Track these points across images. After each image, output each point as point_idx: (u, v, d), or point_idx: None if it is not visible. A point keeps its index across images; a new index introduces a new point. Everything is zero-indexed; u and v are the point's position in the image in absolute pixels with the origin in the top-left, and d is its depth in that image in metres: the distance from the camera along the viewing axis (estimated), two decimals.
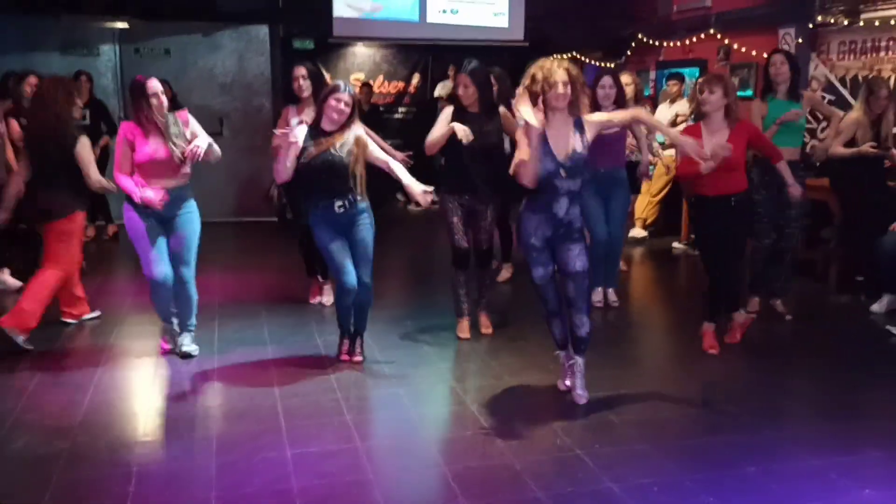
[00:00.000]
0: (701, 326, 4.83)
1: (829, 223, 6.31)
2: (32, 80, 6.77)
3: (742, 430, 3.70)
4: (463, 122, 4.57)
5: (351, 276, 4.29)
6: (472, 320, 5.06)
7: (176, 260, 4.49)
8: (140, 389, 4.19)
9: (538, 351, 4.75)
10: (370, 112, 10.11)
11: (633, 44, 10.28)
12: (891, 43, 6.60)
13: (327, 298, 5.68)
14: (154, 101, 4.27)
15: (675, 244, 8.00)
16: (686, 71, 9.10)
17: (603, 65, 11.05)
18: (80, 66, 8.75)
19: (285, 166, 4.20)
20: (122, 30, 9.10)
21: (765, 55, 7.68)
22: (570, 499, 3.05)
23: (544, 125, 3.65)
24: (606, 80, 5.45)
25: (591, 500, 3.05)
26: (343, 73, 11.63)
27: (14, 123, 6.37)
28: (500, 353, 4.77)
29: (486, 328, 5.09)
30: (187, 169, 4.46)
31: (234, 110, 9.50)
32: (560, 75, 3.58)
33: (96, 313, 5.40)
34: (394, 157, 4.56)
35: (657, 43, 9.86)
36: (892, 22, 6.48)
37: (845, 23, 6.91)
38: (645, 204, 8.51)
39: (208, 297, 5.41)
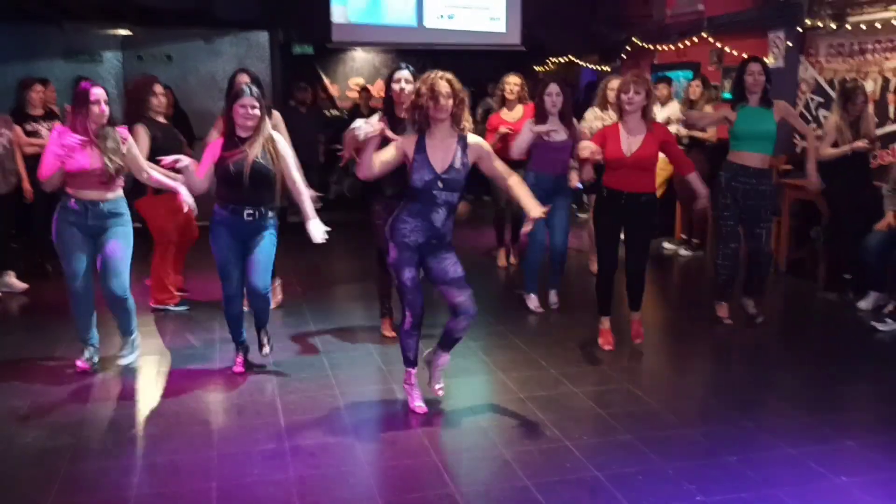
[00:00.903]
0: (602, 322, 5.00)
1: (817, 223, 6.44)
2: (38, 87, 6.95)
3: (723, 422, 3.84)
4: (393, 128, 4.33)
5: (233, 287, 4.29)
6: None
7: (108, 273, 4.35)
8: (142, 386, 4.31)
9: (529, 347, 4.90)
10: (369, 115, 10.23)
11: (628, 47, 10.43)
12: (877, 45, 6.73)
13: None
14: (95, 108, 4.19)
15: (666, 244, 8.13)
16: (680, 74, 9.25)
17: (599, 68, 11.21)
18: (83, 73, 8.89)
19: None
20: (124, 37, 9.25)
21: (767, 59, 7.85)
22: (557, 486, 3.18)
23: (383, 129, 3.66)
24: (553, 87, 5.46)
25: (577, 487, 3.18)
26: (342, 78, 11.82)
27: (18, 129, 6.53)
28: (493, 350, 4.91)
29: None
30: (120, 182, 4.38)
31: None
32: (442, 87, 3.60)
33: (183, 307, 5.66)
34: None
35: (651, 46, 10.00)
36: (878, 25, 6.61)
37: (833, 26, 7.04)
38: None
39: (209, 299, 5.56)
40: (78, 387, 4.27)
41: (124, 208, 4.45)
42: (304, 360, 4.72)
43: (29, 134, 6.71)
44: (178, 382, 4.36)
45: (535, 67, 12.95)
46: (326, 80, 12.12)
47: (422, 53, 11.63)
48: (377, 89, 11.69)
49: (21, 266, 6.40)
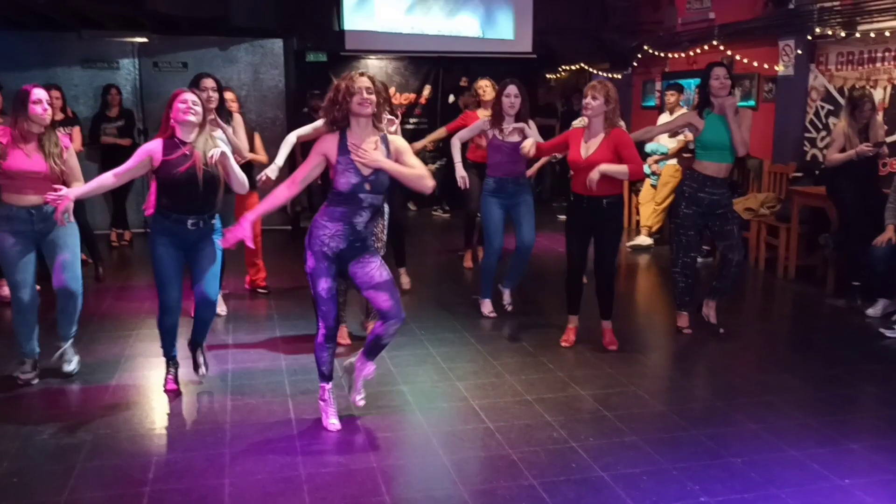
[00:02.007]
0: (570, 320, 5.14)
1: (826, 229, 6.46)
2: (55, 93, 7.08)
3: (728, 424, 3.88)
4: None
5: (172, 298, 4.11)
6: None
7: (57, 267, 4.29)
8: (157, 386, 4.39)
9: (537, 350, 4.96)
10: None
11: (640, 55, 10.48)
12: (886, 54, 6.76)
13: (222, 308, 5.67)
14: (38, 108, 4.10)
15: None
16: (691, 81, 9.28)
17: (610, 76, 11.27)
18: (100, 80, 9.08)
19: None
20: (141, 44, 9.40)
21: (777, 67, 7.89)
22: (563, 486, 3.24)
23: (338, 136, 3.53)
24: (511, 88, 5.44)
25: (582, 487, 3.23)
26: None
27: None
28: (501, 353, 4.96)
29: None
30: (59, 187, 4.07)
31: (249, 121, 9.71)
32: (363, 82, 3.50)
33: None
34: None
35: (662, 54, 10.05)
36: (887, 34, 6.63)
37: (842, 34, 7.07)
38: (650, 212, 8.68)
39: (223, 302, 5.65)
40: (93, 385, 4.37)
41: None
42: (312, 360, 4.77)
43: None
44: (191, 383, 4.43)
45: (546, 75, 13.03)
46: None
47: (433, 61, 11.74)
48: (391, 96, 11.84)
49: None
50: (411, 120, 12.06)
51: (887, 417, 4.02)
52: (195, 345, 4.39)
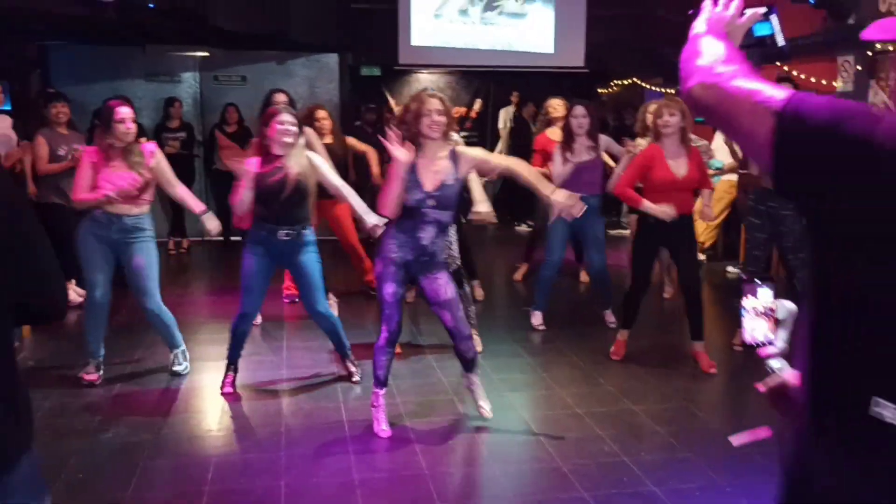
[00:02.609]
0: (621, 333, 5.12)
1: None
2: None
3: (780, 441, 3.82)
4: None
5: (252, 305, 4.28)
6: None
7: (137, 293, 4.49)
8: (214, 389, 4.50)
9: (588, 364, 4.95)
10: None
11: None
12: None
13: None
14: (121, 126, 4.28)
15: (730, 268, 8.06)
16: None
17: (664, 91, 11.20)
18: (163, 93, 9.36)
19: (242, 200, 4.14)
20: (202, 58, 9.68)
21: (836, 82, 7.78)
22: (615, 499, 3.24)
23: (412, 157, 3.60)
24: (578, 109, 5.50)
25: (635, 501, 3.23)
26: (407, 99, 12.05)
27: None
28: (551, 366, 4.97)
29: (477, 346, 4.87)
30: (147, 197, 4.46)
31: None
32: (433, 105, 3.59)
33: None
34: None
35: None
36: None
37: None
38: (703, 227, 8.59)
39: (275, 310, 5.77)
40: (155, 388, 4.51)
41: (148, 224, 4.52)
42: (365, 369, 4.85)
43: None
44: (248, 387, 4.55)
45: (598, 90, 13.01)
46: (392, 101, 12.41)
47: (485, 75, 11.83)
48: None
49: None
50: (461, 133, 12.14)
51: None
52: (342, 356, 4.66)
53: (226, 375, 4.47)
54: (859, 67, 7.46)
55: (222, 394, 4.41)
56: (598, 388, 4.57)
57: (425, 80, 12.21)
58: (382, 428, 3.88)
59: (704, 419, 4.15)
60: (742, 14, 1.46)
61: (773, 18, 1.55)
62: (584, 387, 4.58)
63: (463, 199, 4.20)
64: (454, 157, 3.69)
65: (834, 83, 7.87)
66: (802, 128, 1.18)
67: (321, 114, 5.98)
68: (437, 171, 3.64)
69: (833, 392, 1.20)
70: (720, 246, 8.48)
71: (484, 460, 3.63)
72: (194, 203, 4.75)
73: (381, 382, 3.90)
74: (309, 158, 4.26)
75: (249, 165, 4.17)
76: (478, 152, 3.84)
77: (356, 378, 4.60)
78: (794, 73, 8.50)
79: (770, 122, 1.20)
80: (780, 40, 1.57)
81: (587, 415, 4.14)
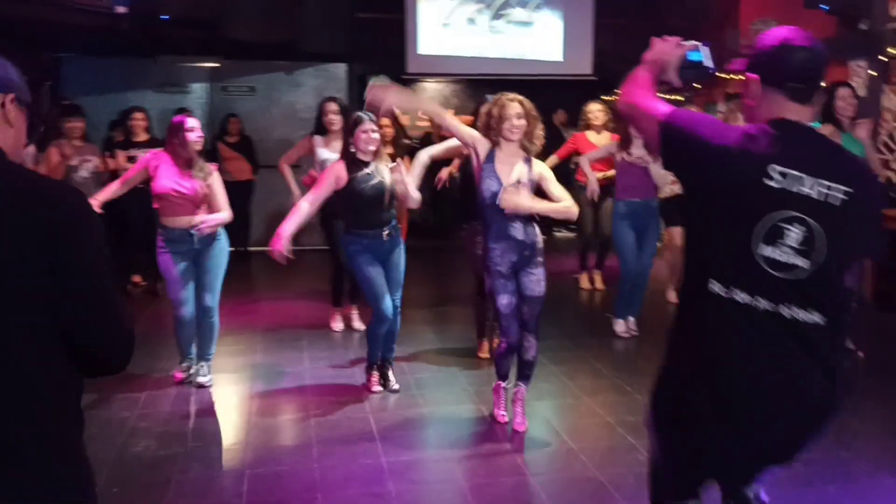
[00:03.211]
0: None
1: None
2: (140, 115, 7.31)
3: (817, 451, 3.77)
4: None
5: (388, 306, 4.40)
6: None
7: (200, 287, 4.58)
8: (239, 401, 4.49)
9: (612, 372, 4.93)
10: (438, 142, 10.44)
11: None
12: None
13: (358, 323, 5.88)
14: (192, 136, 4.44)
15: None
16: None
17: (671, 98, 11.21)
18: (173, 104, 9.33)
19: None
20: (212, 69, 9.68)
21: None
22: None
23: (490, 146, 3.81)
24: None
25: None
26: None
27: (122, 155, 6.91)
28: (576, 374, 4.95)
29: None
30: (204, 209, 4.50)
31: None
32: (514, 109, 3.75)
33: None
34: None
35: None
36: None
37: None
38: None
39: (293, 321, 5.74)
40: (181, 399, 4.48)
41: (220, 229, 4.62)
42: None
43: (129, 160, 7.08)
44: (273, 398, 4.52)
45: (604, 97, 13.01)
46: (398, 111, 12.42)
47: (493, 84, 11.83)
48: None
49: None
50: None
51: None
52: (386, 362, 4.66)
53: (370, 374, 4.62)
54: (872, 72, 7.46)
55: (369, 390, 4.54)
56: (625, 396, 4.54)
57: (432, 88, 12.22)
58: (501, 413, 4.12)
59: None
60: (679, 47, 2.11)
61: (704, 49, 2.14)
62: (611, 395, 4.56)
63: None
64: (529, 162, 3.88)
65: None
66: (674, 132, 1.97)
67: (382, 121, 6.00)
68: (512, 167, 3.82)
69: (691, 280, 2.02)
70: None
71: (518, 470, 3.60)
72: (214, 219, 4.55)
73: (503, 377, 4.13)
74: (388, 167, 4.45)
75: (330, 176, 4.32)
76: (549, 174, 3.97)
77: (394, 386, 4.61)
78: None
79: (657, 128, 1.99)
80: (710, 65, 2.15)
81: (618, 423, 4.11)
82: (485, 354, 5.21)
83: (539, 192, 3.93)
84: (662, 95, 2.18)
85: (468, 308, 5.84)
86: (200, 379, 4.67)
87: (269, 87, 9.96)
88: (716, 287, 1.89)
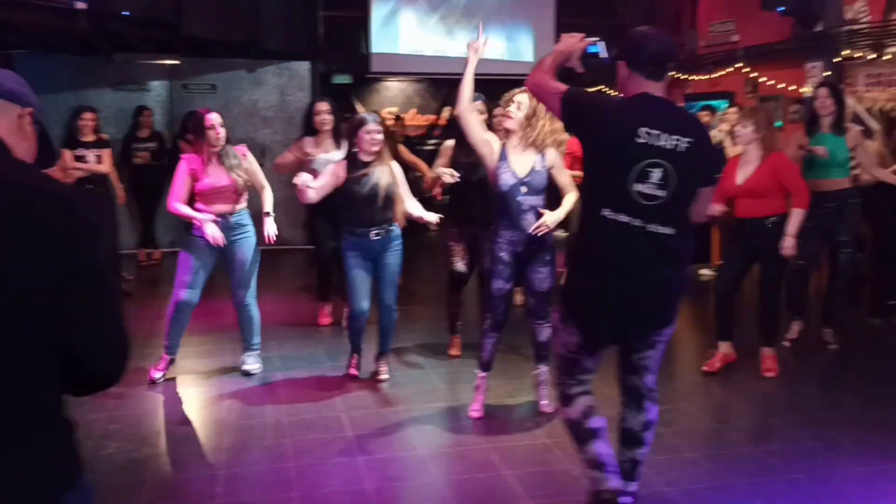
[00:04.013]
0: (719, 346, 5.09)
1: (862, 249, 6.49)
2: (90, 115, 7.17)
3: (787, 441, 3.90)
4: (465, 154, 4.70)
5: (362, 306, 4.54)
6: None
7: (234, 284, 4.74)
8: (213, 401, 4.43)
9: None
10: (403, 144, 10.44)
11: None
12: None
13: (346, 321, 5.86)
14: (212, 133, 4.55)
15: (704, 270, 8.19)
16: (714, 103, 9.37)
17: None
18: (131, 103, 9.17)
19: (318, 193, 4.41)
20: (171, 66, 9.53)
21: (803, 89, 7.98)
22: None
23: (503, 142, 3.98)
24: None
25: (650, 501, 3.25)
26: (377, 107, 12.04)
27: (68, 154, 6.80)
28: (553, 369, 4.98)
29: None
30: (245, 195, 4.73)
31: (276, 142, 9.84)
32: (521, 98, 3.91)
33: None
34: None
35: (685, 76, 10.15)
36: None
37: (872, 56, 7.16)
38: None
39: (267, 319, 5.67)
40: (152, 400, 4.42)
41: (248, 219, 4.75)
42: (363, 377, 4.82)
43: (77, 159, 6.95)
44: (247, 398, 4.48)
45: None
46: (361, 110, 12.39)
47: (453, 83, 11.85)
48: (410, 117, 11.97)
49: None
50: (431, 141, 12.17)
51: None
52: (381, 353, 4.78)
53: (349, 360, 4.79)
54: (828, 73, 7.66)
55: (347, 374, 4.74)
56: (597, 391, 4.57)
57: (394, 87, 12.22)
58: (475, 408, 4.17)
59: (705, 420, 4.21)
60: (582, 41, 2.77)
61: (601, 44, 2.74)
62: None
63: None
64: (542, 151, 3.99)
65: (802, 89, 8.08)
66: (571, 102, 2.69)
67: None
68: (525, 159, 3.92)
69: (589, 209, 2.75)
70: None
71: (495, 466, 3.61)
72: (268, 205, 4.84)
73: (484, 366, 4.16)
74: (391, 168, 4.52)
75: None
76: (559, 158, 4.05)
77: (383, 377, 4.72)
78: (763, 78, 8.72)
79: (559, 101, 2.71)
80: (605, 56, 2.75)
81: None
82: (456, 352, 5.23)
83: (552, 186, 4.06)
84: (613, 90, 2.88)
85: (435, 306, 5.86)
86: (247, 367, 4.82)
87: (230, 85, 9.84)
88: (607, 212, 2.63)
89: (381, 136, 4.45)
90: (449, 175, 4.58)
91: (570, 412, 2.94)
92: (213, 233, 4.52)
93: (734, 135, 4.88)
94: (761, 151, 4.75)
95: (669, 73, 2.65)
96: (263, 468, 3.55)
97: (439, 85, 12.09)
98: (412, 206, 4.55)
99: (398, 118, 11.15)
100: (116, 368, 1.46)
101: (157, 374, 4.70)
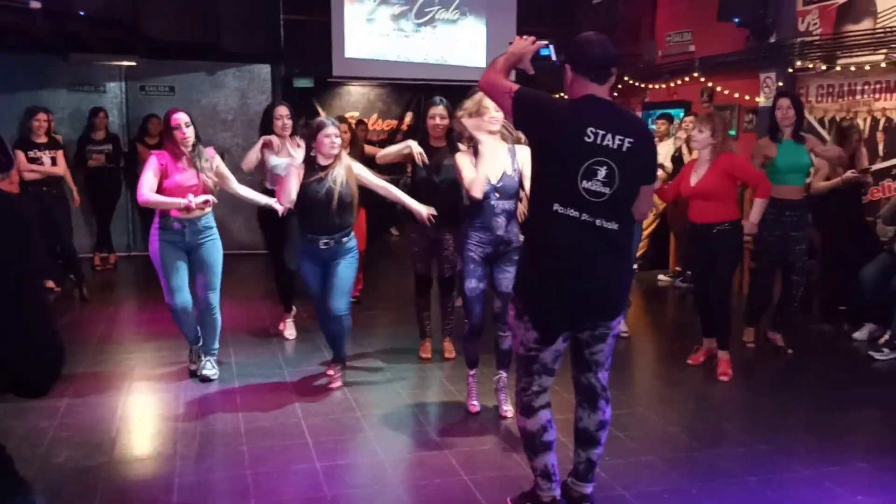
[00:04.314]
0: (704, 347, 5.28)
1: (812, 256, 6.65)
2: (44, 116, 7.04)
3: (739, 445, 3.98)
4: (428, 157, 4.84)
5: (322, 305, 4.53)
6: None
7: (201, 286, 4.70)
8: (165, 409, 4.37)
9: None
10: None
11: (620, 85, 10.71)
12: (865, 87, 7.03)
13: (289, 332, 5.86)
14: (178, 133, 4.52)
15: (661, 276, 8.31)
16: (671, 112, 9.52)
17: None
18: (87, 103, 9.01)
19: (289, 190, 4.42)
20: (128, 68, 9.37)
21: (758, 98, 8.14)
22: None
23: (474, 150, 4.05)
24: None
25: None
26: (339, 111, 11.98)
27: (21, 155, 6.69)
28: (512, 374, 5.00)
29: (450, 353, 5.32)
30: (212, 198, 4.63)
31: (236, 146, 9.76)
32: (489, 102, 3.85)
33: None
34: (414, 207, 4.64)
35: (643, 85, 10.30)
36: (867, 67, 6.91)
37: (823, 68, 7.33)
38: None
39: (225, 324, 5.62)
40: (103, 407, 4.33)
41: (213, 222, 4.71)
42: (321, 383, 4.79)
43: (31, 161, 6.82)
44: (202, 405, 4.42)
45: None
46: (323, 114, 12.33)
47: (415, 88, 11.87)
48: (372, 122, 11.94)
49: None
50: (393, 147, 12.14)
51: (891, 438, 4.16)
52: (335, 360, 4.77)
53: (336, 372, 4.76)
54: (780, 84, 7.83)
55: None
56: (555, 395, 4.61)
57: (357, 92, 12.16)
58: (472, 403, 4.32)
59: (661, 424, 4.26)
60: (533, 44, 2.84)
61: (551, 47, 2.84)
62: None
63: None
64: (512, 151, 4.06)
65: (756, 98, 8.25)
66: (522, 101, 2.79)
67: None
68: (497, 163, 3.99)
69: (540, 204, 2.84)
70: (650, 254, 8.71)
71: (452, 470, 3.61)
72: (259, 196, 4.98)
73: (472, 364, 4.32)
74: (350, 167, 4.49)
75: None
76: (528, 160, 4.05)
77: (335, 384, 4.68)
78: (719, 88, 8.88)
79: (510, 99, 2.80)
80: (555, 59, 2.85)
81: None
82: (427, 354, 5.25)
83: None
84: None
85: (398, 311, 5.85)
86: (205, 372, 4.78)
87: (189, 87, 9.73)
88: (557, 207, 2.74)
89: (339, 140, 4.44)
90: (419, 153, 4.80)
91: (529, 424, 2.99)
92: (195, 200, 4.44)
93: (690, 140, 4.98)
94: (713, 154, 4.88)
95: (612, 77, 2.77)
96: (220, 476, 3.52)
97: (401, 90, 12.07)
98: (404, 198, 4.59)
99: (360, 122, 11.12)
100: (46, 377, 1.38)
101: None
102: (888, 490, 3.48)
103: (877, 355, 5.47)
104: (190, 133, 4.56)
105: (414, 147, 4.84)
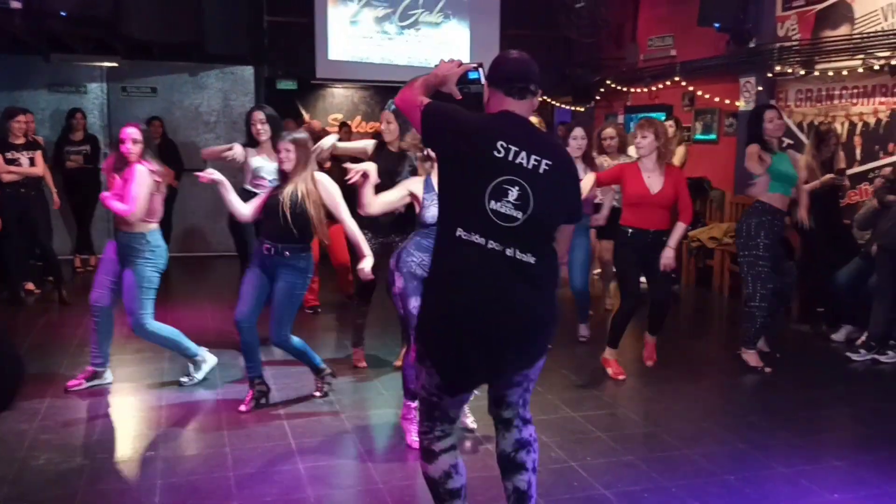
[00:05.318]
0: (604, 352, 5.24)
1: (791, 257, 6.72)
2: (23, 117, 6.99)
3: (718, 444, 4.02)
4: (383, 160, 4.71)
5: (241, 314, 4.28)
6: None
7: (126, 299, 4.56)
8: (148, 411, 4.35)
9: None
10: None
11: (602, 89, 10.79)
12: (843, 92, 7.13)
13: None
14: (123, 147, 4.43)
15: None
16: (653, 115, 9.58)
17: (574, 109, 11.57)
18: (67, 104, 8.93)
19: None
20: (109, 68, 9.31)
21: (738, 102, 8.23)
22: None
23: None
24: (578, 131, 5.75)
25: None
26: (322, 113, 11.98)
27: None
28: None
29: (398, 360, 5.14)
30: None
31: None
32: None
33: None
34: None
35: (625, 89, 10.37)
36: (845, 72, 7.00)
37: (802, 72, 7.43)
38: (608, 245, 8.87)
39: (204, 328, 5.60)
40: (83, 409, 4.32)
41: (140, 244, 4.48)
42: (304, 385, 4.78)
43: (9, 162, 6.77)
44: (184, 407, 4.41)
45: None
46: (306, 116, 12.29)
47: (398, 91, 11.87)
48: (355, 125, 11.93)
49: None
50: None
51: (865, 435, 4.22)
52: (313, 373, 4.63)
53: (248, 393, 4.44)
54: (760, 88, 7.93)
55: (241, 412, 4.31)
56: (537, 395, 4.64)
57: (340, 94, 12.15)
58: (413, 438, 3.85)
59: (641, 424, 4.31)
60: (460, 66, 2.62)
61: (480, 70, 2.63)
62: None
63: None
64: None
65: (737, 102, 8.34)
66: (430, 115, 2.54)
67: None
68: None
69: (444, 228, 2.52)
70: None
71: None
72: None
73: (413, 395, 3.89)
74: (315, 184, 4.29)
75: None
76: None
77: (317, 393, 4.60)
78: (699, 92, 8.97)
79: (420, 114, 2.54)
80: (484, 82, 2.62)
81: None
82: (362, 364, 5.23)
83: None
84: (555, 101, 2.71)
85: (379, 314, 5.85)
86: (185, 377, 4.81)
87: (171, 88, 9.69)
88: (461, 233, 2.44)
89: (289, 154, 4.24)
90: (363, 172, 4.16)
91: (430, 470, 2.69)
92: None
93: (638, 146, 4.99)
94: (660, 160, 4.95)
95: (533, 97, 2.55)
96: (202, 477, 3.51)
97: (385, 93, 12.05)
98: (362, 243, 4.37)
99: (344, 125, 11.12)
100: (4, 392, 1.36)
101: (74, 383, 4.65)
102: (863, 486, 3.54)
103: (854, 356, 5.55)
104: (134, 149, 4.42)
105: (369, 166, 4.14)
